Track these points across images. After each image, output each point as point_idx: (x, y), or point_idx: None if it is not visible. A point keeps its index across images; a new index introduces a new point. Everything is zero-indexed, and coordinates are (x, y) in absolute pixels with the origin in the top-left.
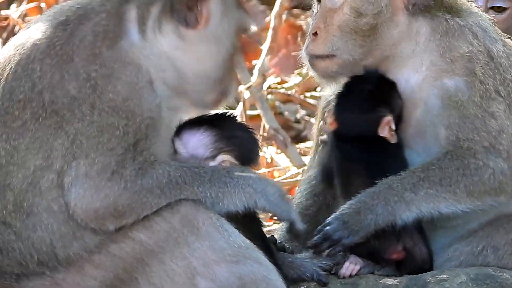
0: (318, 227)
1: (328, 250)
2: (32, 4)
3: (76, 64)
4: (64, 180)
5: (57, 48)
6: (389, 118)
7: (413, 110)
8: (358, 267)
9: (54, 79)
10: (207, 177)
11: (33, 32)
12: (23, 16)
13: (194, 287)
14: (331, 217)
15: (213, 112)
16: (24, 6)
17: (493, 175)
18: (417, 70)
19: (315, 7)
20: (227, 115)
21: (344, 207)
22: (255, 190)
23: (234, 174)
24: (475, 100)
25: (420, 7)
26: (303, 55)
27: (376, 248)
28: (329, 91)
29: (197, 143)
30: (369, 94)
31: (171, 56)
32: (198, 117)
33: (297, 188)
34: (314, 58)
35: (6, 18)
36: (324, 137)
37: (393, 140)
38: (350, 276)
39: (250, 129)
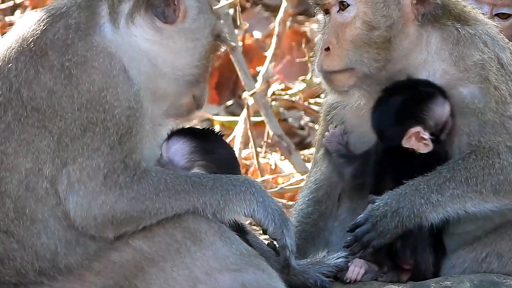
0: (350, 225)
1: (361, 252)
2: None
3: (49, 57)
4: (58, 188)
5: (30, 44)
6: (415, 129)
7: None
8: (363, 270)
9: (29, 74)
10: (208, 186)
11: (7, 37)
12: None
13: None
14: (361, 216)
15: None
16: (29, 12)
17: None
18: (430, 79)
19: (323, 18)
20: (214, 131)
21: (373, 208)
22: (256, 199)
23: (237, 181)
24: (491, 106)
25: (429, 17)
26: (316, 71)
27: (393, 254)
28: (331, 97)
29: (176, 150)
30: (399, 105)
31: (145, 48)
32: (189, 127)
33: (301, 185)
34: (330, 74)
35: (11, 24)
36: (325, 140)
37: (422, 149)
38: (355, 281)
39: (231, 149)
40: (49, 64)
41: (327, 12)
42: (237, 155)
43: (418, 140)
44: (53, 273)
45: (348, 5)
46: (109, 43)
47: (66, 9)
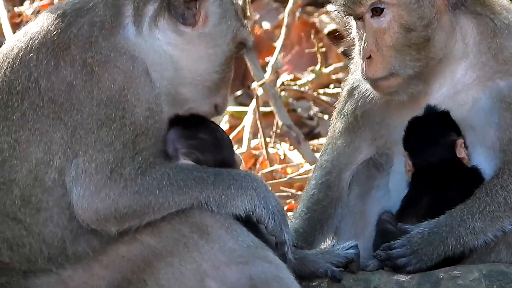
0: (384, 245)
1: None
2: (45, 1)
3: (72, 52)
4: (66, 179)
5: (54, 37)
6: (461, 140)
7: (460, 108)
8: None
9: (50, 66)
10: (210, 180)
11: (31, 27)
12: (37, 12)
13: None
14: (399, 241)
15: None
16: (38, 3)
17: None
18: (468, 70)
19: (355, 24)
20: (198, 116)
21: (412, 235)
22: (258, 195)
23: (238, 176)
24: None
25: (459, 5)
26: (362, 79)
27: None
28: (355, 76)
29: (166, 140)
30: (436, 123)
31: (167, 51)
32: (176, 116)
33: (310, 175)
34: (376, 81)
35: (20, 14)
36: None
37: (469, 163)
38: (363, 270)
39: (216, 131)
40: (71, 59)
41: (359, 18)
42: (246, 145)
43: (465, 152)
44: (61, 260)
45: (382, 10)
46: (132, 46)
47: (93, 5)
